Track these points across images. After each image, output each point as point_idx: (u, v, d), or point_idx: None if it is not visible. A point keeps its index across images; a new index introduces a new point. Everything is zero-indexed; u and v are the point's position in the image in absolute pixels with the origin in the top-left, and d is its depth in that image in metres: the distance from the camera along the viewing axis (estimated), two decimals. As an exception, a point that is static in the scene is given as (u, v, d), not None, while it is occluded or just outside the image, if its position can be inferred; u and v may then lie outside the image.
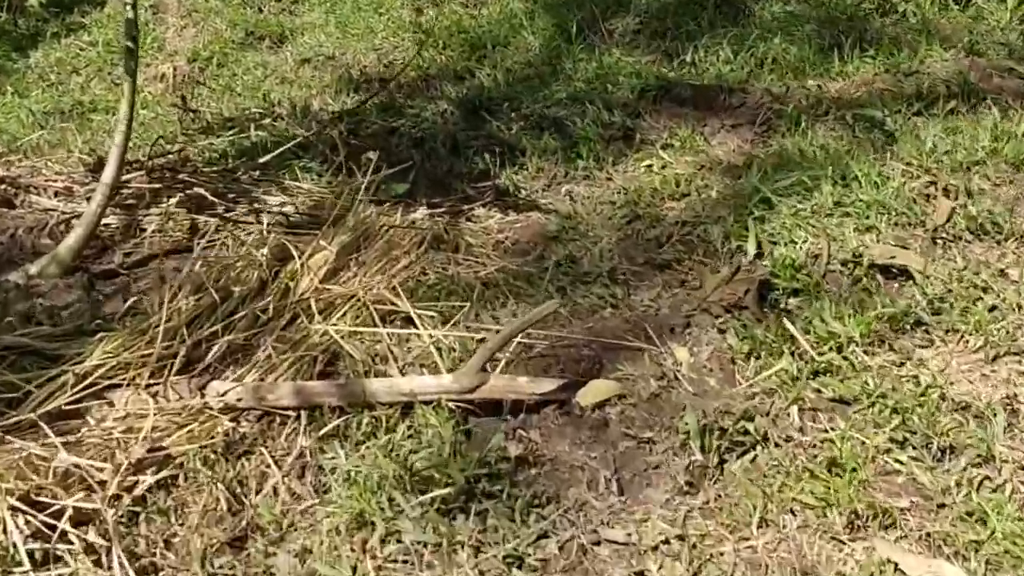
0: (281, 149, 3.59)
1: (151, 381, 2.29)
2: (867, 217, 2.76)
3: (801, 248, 2.70)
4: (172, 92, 5.14)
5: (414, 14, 5.74)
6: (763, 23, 4.56)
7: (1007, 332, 2.25)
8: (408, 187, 3.44)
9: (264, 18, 5.88)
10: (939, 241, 2.65)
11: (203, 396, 2.25)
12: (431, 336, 2.47)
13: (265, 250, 2.70)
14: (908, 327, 2.34)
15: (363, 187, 3.33)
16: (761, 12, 4.80)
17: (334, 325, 2.52)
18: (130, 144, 3.25)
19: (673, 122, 3.74)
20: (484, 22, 5.41)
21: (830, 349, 2.27)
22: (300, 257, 2.73)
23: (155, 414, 2.19)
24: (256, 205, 3.34)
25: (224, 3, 5.93)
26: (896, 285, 2.54)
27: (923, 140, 3.21)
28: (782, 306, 2.51)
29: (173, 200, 3.34)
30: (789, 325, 2.33)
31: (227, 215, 3.30)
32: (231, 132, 4.06)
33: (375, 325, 2.59)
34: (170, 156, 3.62)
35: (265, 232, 3.00)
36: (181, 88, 5.20)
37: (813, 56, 4.11)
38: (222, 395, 2.25)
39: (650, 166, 3.48)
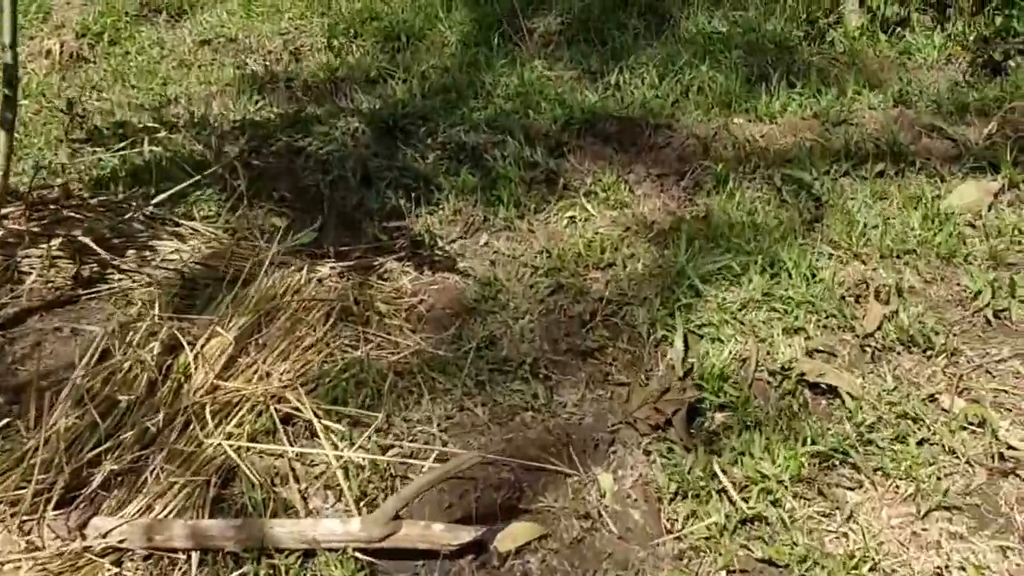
0: (176, 189, 3.26)
1: (25, 518, 2.03)
2: (796, 318, 2.63)
3: (728, 349, 2.56)
4: (58, 71, 4.70)
5: (324, -9, 5.36)
6: (689, 40, 4.37)
7: (937, 479, 2.17)
8: (315, 234, 3.17)
9: (161, -12, 5.41)
10: (868, 349, 2.55)
11: (83, 537, 2.01)
12: (337, 457, 2.26)
13: (156, 346, 2.42)
14: (837, 463, 2.23)
15: (265, 235, 3.08)
16: (687, 25, 4.61)
17: (230, 436, 2.29)
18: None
19: (597, 165, 3.54)
20: (398, 9, 5.08)
21: (759, 494, 2.14)
22: (193, 347, 2.47)
23: (27, 562, 1.94)
24: (147, 254, 3.04)
25: (118, -31, 5.41)
26: (824, 403, 2.43)
27: (852, 212, 3.09)
28: (709, 426, 2.37)
29: (55, 242, 3.01)
30: (719, 472, 2.19)
31: (114, 262, 3.00)
32: (122, 145, 3.69)
33: (276, 431, 2.37)
34: (53, 188, 3.26)
35: (154, 304, 2.71)
36: (68, 67, 4.76)
37: (739, 88, 3.94)
38: (104, 535, 2.01)
39: (573, 218, 3.29)
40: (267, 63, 4.69)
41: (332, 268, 3.00)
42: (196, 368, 2.43)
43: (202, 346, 2.48)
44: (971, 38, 4.11)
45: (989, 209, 3.12)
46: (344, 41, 4.83)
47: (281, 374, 2.51)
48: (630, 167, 3.53)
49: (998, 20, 3.88)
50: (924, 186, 3.24)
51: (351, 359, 2.63)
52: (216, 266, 3.00)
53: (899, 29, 4.32)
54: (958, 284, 2.75)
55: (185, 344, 2.45)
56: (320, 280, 2.95)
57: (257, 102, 4.17)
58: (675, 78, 4.05)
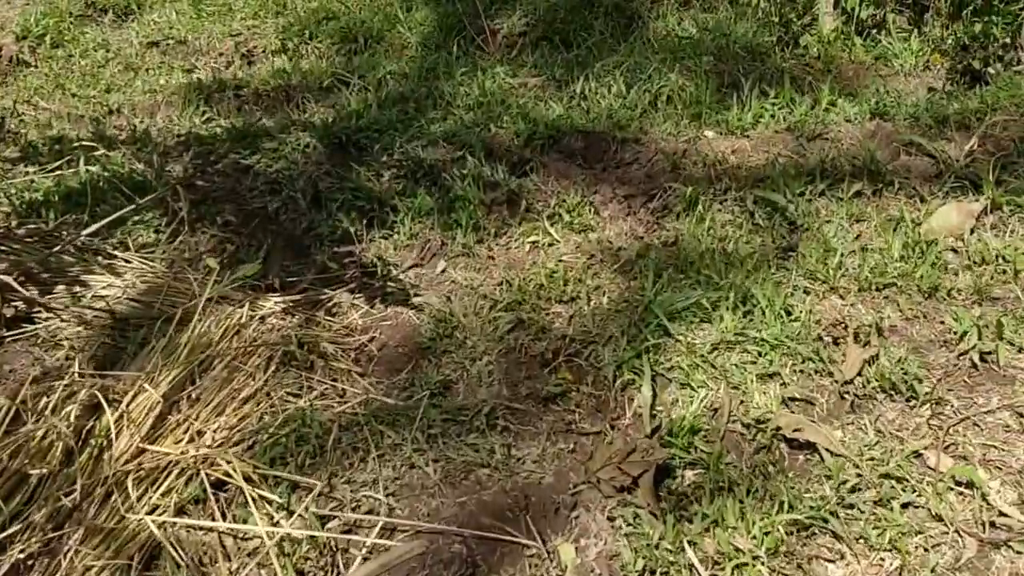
0: (112, 217, 3.01)
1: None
2: (770, 361, 2.44)
3: (699, 397, 2.36)
4: (-4, 77, 4.41)
5: (279, -12, 5.09)
6: (658, 43, 4.15)
7: (924, 550, 1.98)
8: (260, 266, 2.93)
9: (107, -14, 5.12)
10: (848, 397, 2.35)
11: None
12: (271, 533, 2.04)
13: (74, 408, 2.18)
14: (817, 531, 2.04)
15: (206, 268, 2.84)
16: (655, 26, 4.39)
17: (155, 508, 2.07)
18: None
19: (561, 184, 3.32)
20: (355, 8, 4.82)
21: (733, 572, 1.95)
22: (118, 406, 2.24)
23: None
24: (78, 290, 2.79)
25: (60, -33, 5.12)
26: (802, 458, 2.23)
27: (828, 239, 2.89)
28: (679, 487, 2.17)
29: (-24, 278, 2.76)
30: (688, 547, 1.99)
31: (41, 300, 2.75)
32: (57, 164, 3.43)
33: (206, 498, 2.15)
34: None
35: (81, 349, 2.47)
36: (7, 72, 4.47)
37: (710, 98, 3.73)
38: (8, 635, 1.79)
39: (536, 243, 3.07)
40: (217, 68, 4.43)
41: (277, 303, 2.77)
42: (120, 431, 2.20)
43: (127, 404, 2.25)
44: (948, 42, 3.92)
45: (971, 232, 2.93)
46: (299, 43, 4.58)
47: (215, 431, 2.29)
48: (596, 187, 3.31)
49: (977, 26, 3.68)
50: (903, 207, 3.04)
51: (293, 411, 2.40)
52: (152, 302, 2.76)
53: (875, 32, 4.12)
54: (941, 323, 2.56)
55: (106, 405, 2.21)
56: (263, 318, 2.72)
57: (204, 113, 3.91)
58: (643, 87, 3.83)
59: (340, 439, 2.34)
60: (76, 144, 3.48)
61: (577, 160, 3.49)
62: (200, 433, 2.27)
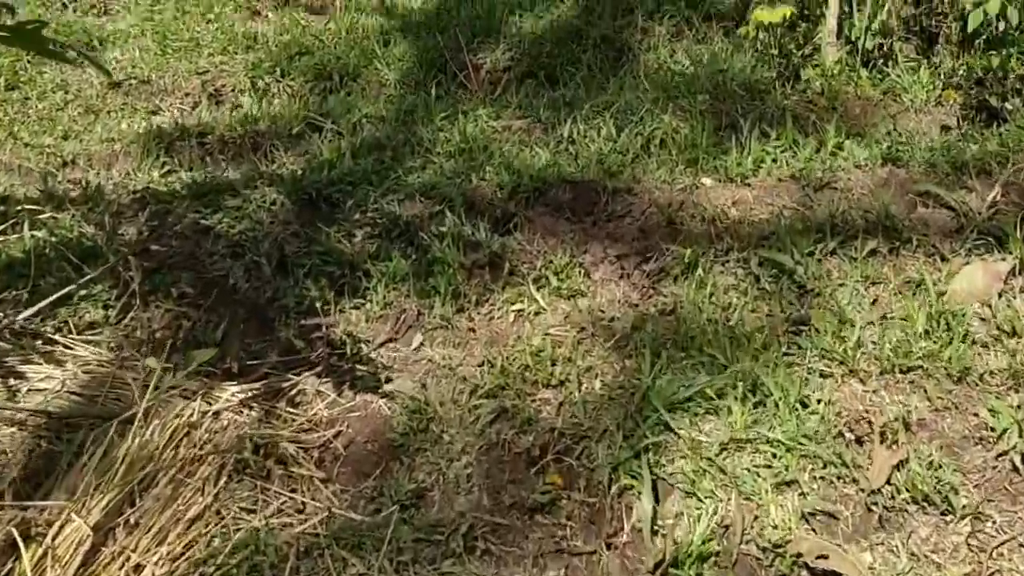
0: (55, 296, 2.70)
1: None
2: (786, 467, 2.13)
3: (708, 511, 2.05)
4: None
5: (248, 19, 4.79)
6: (649, 79, 3.84)
7: None
8: (215, 352, 2.62)
9: (69, 22, 4.81)
10: (875, 510, 2.05)
11: None
12: None
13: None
14: None
15: (157, 351, 2.54)
16: (646, 59, 4.08)
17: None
18: None
19: (548, 243, 3.01)
20: (330, 41, 4.51)
21: None
22: (42, 540, 1.93)
23: None
24: (13, 382, 2.48)
25: None
26: (826, 586, 1.93)
27: (843, 307, 2.59)
28: (686, 627, 1.87)
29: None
30: None
31: (-29, 396, 2.44)
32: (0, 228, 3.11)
33: (144, 653, 1.84)
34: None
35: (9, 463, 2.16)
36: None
37: (706, 140, 3.42)
38: None
39: (521, 311, 2.77)
40: (183, 109, 4.12)
41: (234, 394, 2.46)
42: (44, 571, 1.88)
43: (53, 539, 1.93)
44: (960, 73, 3.62)
45: (999, 296, 2.63)
46: (270, 81, 4.27)
47: (157, 564, 1.98)
48: (585, 245, 3.00)
49: (994, 60, 3.37)
50: (923, 267, 2.75)
51: (246, 533, 2.09)
52: (95, 396, 2.45)
53: (881, 63, 3.82)
54: (975, 415, 2.25)
55: (23, 547, 1.90)
56: (217, 413, 2.41)
57: (164, 165, 3.59)
58: (635, 129, 3.53)
59: (298, 569, 2.03)
60: (21, 207, 3.16)
61: (565, 213, 3.19)
62: (139, 568, 1.96)
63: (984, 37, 3.55)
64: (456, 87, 4.12)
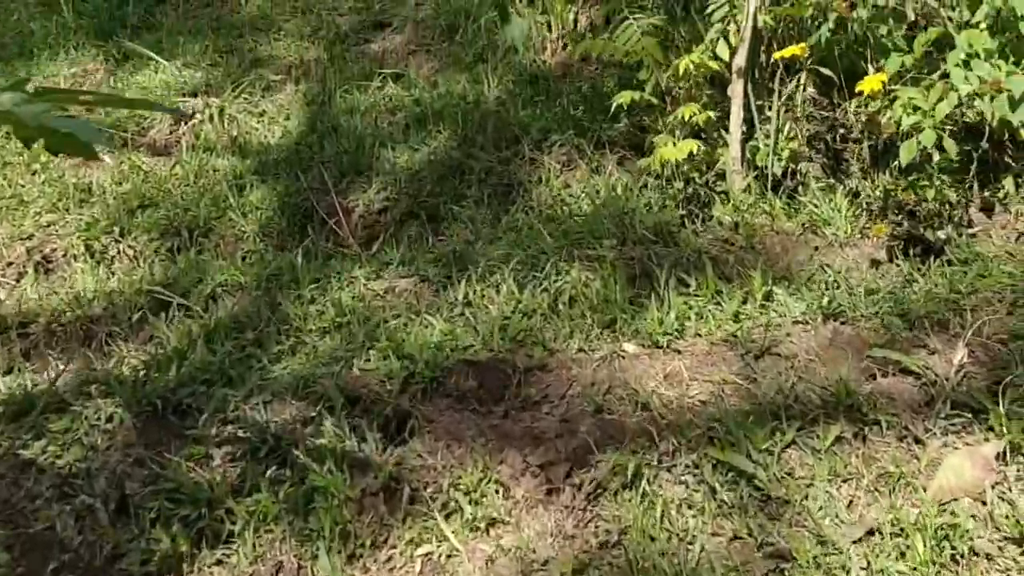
0: None
1: None
2: None
3: None
4: None
5: (80, 167, 4.09)
6: (544, 216, 3.35)
7: None
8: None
9: None
10: None
11: None
12: None
13: None
14: None
15: None
16: (538, 192, 3.59)
17: None
18: None
19: (454, 453, 2.42)
20: (177, 189, 3.85)
21: None
22: None
23: None
24: None
25: None
26: None
27: (819, 522, 2.10)
28: None
29: None
30: None
31: None
32: None
33: None
34: None
35: None
36: None
37: (620, 296, 2.92)
38: None
39: (429, 556, 2.17)
40: (5, 282, 3.38)
41: None
42: None
43: None
44: (876, 196, 3.24)
45: (993, 488, 2.18)
46: (107, 242, 3.57)
47: None
48: (500, 451, 2.42)
49: (929, 192, 3.00)
50: (896, 455, 2.29)
51: None
52: None
53: (791, 189, 3.42)
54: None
55: None
56: None
57: (-29, 371, 2.85)
58: (539, 285, 3.00)
59: None
60: None
61: (471, 404, 2.61)
62: None
63: (897, 164, 3.18)
64: (326, 236, 3.53)
